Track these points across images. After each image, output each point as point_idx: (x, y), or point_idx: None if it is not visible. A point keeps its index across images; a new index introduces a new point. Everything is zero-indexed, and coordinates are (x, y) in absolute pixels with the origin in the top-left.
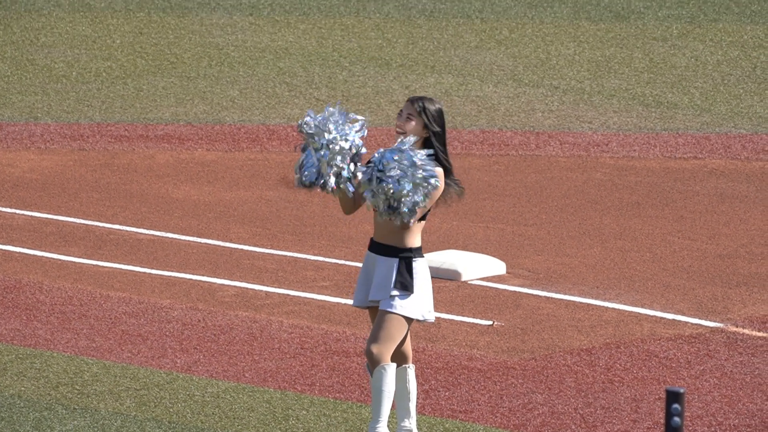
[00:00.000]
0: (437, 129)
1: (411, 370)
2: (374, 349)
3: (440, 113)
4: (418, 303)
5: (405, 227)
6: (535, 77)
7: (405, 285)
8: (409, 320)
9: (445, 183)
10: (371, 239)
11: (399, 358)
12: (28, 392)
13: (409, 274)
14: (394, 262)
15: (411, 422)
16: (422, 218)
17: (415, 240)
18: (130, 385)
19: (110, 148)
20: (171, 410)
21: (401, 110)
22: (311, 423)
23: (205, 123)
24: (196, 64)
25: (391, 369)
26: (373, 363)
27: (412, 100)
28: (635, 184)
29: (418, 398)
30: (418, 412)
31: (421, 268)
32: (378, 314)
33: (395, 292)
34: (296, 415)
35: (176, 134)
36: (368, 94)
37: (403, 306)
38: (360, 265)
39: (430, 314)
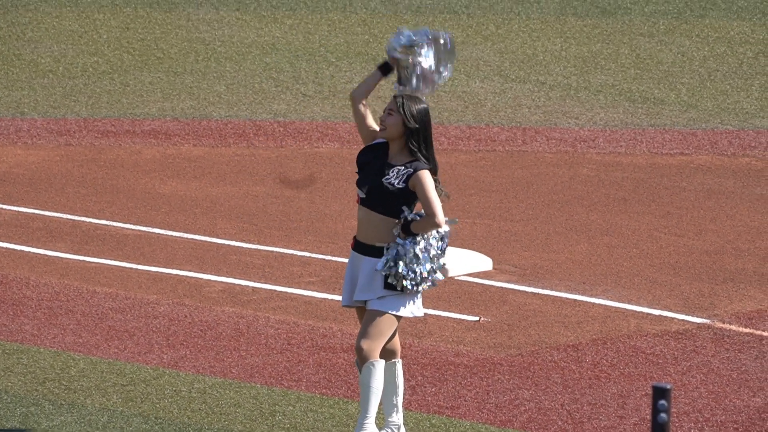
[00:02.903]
0: (414, 125)
1: (399, 365)
2: (364, 345)
3: (422, 112)
4: (406, 300)
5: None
6: (521, 73)
7: (392, 285)
8: (398, 317)
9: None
10: (354, 238)
11: (388, 353)
12: (14, 387)
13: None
14: (380, 264)
15: (398, 417)
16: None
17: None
18: (116, 381)
19: (97, 143)
20: (157, 406)
21: (386, 107)
22: (298, 418)
23: (192, 118)
24: (182, 60)
25: (379, 365)
26: (362, 359)
27: (394, 96)
28: (622, 180)
29: (404, 394)
30: (405, 408)
31: None
32: (367, 312)
33: (382, 294)
34: (283, 411)
35: (163, 129)
36: None
37: (391, 304)
38: (346, 260)
39: (419, 310)
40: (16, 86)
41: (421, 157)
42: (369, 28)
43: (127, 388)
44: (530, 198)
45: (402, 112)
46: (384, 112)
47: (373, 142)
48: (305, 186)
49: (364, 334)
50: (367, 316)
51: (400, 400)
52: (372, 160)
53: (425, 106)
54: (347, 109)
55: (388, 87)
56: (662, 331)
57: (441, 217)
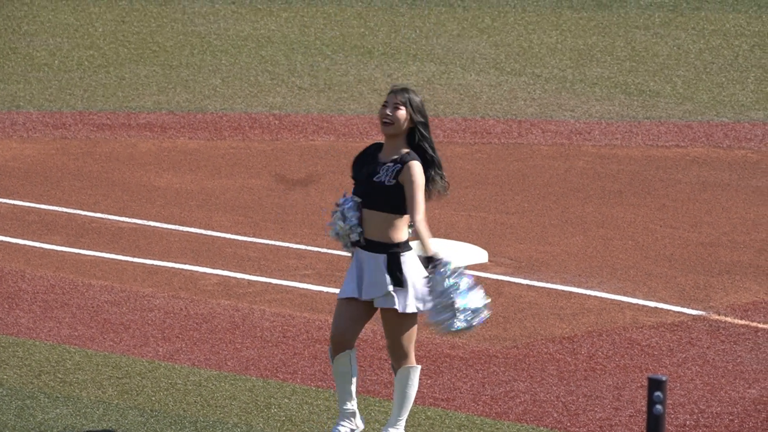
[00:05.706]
0: (421, 119)
1: (353, 353)
2: (400, 356)
3: (422, 104)
4: (414, 296)
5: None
6: (517, 65)
7: (396, 281)
8: (411, 315)
9: (433, 175)
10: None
11: (348, 343)
12: (10, 380)
13: (398, 269)
14: (382, 259)
15: (353, 404)
16: (406, 212)
17: (401, 234)
18: (112, 374)
19: (92, 136)
20: (153, 398)
21: (386, 101)
22: (293, 411)
23: (188, 111)
24: (178, 53)
25: (416, 370)
26: (399, 365)
27: (395, 91)
28: (617, 173)
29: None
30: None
31: (409, 260)
32: (384, 320)
33: (390, 288)
34: (278, 404)
35: (158, 123)
36: (350, 83)
37: (400, 304)
38: (343, 254)
39: (420, 304)
40: (11, 79)
41: (428, 149)
42: (364, 21)
43: (122, 380)
44: (526, 190)
45: (410, 105)
46: (385, 106)
47: (364, 149)
48: (304, 184)
49: (394, 354)
50: (388, 330)
51: (354, 388)
52: (364, 168)
53: (421, 98)
54: (342, 101)
55: (384, 80)
56: (658, 323)
57: (421, 216)
